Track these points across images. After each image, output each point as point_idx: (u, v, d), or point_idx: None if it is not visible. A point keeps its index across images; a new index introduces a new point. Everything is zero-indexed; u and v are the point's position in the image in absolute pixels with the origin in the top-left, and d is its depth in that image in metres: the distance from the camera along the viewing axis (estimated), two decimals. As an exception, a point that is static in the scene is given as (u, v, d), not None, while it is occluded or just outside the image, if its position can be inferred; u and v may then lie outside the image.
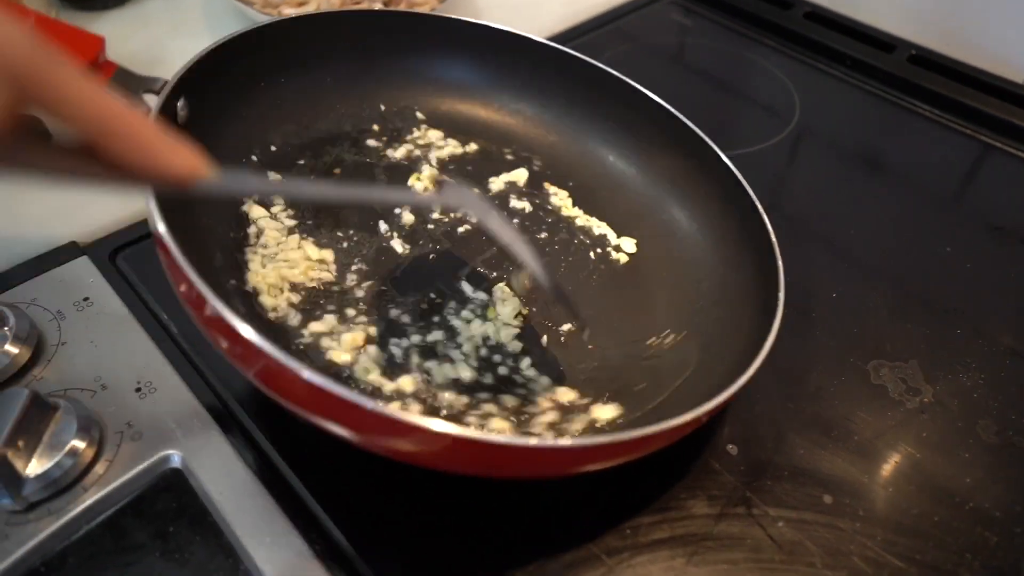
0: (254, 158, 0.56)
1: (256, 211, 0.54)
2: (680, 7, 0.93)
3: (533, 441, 0.35)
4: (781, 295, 0.46)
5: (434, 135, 0.65)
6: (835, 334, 0.56)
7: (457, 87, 0.66)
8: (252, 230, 0.53)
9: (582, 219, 0.61)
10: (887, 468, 0.48)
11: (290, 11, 0.77)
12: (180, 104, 0.47)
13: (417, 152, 0.64)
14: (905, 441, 0.49)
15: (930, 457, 0.48)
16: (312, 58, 0.60)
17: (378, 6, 0.78)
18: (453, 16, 0.64)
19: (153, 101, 0.46)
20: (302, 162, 0.59)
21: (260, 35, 0.56)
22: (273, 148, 0.58)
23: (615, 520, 0.44)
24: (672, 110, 0.60)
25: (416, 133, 0.65)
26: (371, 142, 0.63)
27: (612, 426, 0.47)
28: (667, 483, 0.46)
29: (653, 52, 0.87)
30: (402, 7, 0.79)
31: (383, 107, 0.65)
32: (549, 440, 0.36)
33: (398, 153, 0.63)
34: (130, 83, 0.67)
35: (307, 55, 0.60)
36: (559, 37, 0.85)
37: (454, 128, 0.66)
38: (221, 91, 0.53)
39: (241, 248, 0.51)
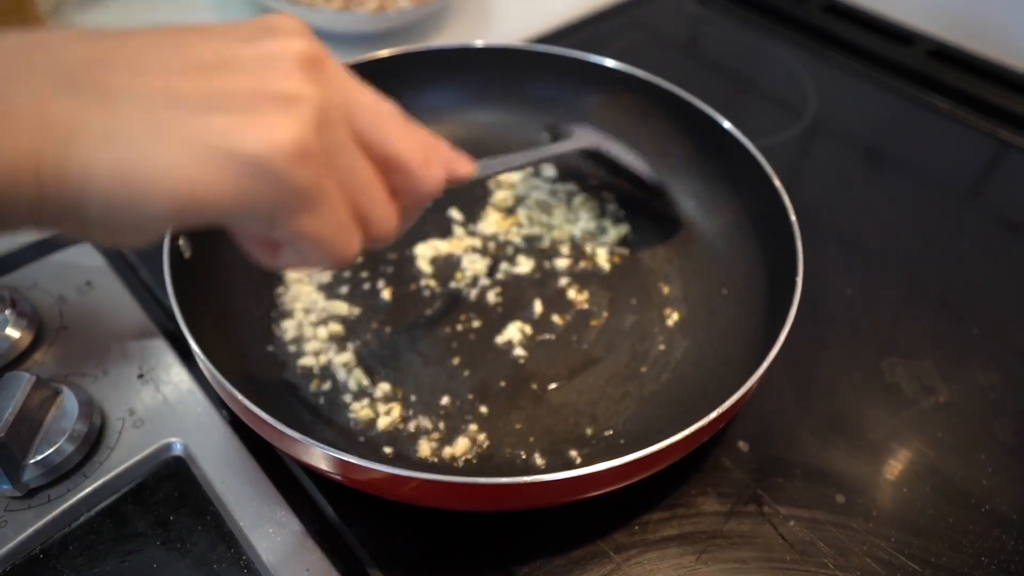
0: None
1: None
2: (694, -3, 0.92)
3: (542, 477, 0.35)
4: (797, 291, 0.44)
5: None
6: (848, 331, 0.55)
7: (435, 110, 0.64)
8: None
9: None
10: (901, 468, 0.47)
11: (299, -4, 0.76)
12: None
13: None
14: (920, 440, 0.48)
15: (945, 457, 0.47)
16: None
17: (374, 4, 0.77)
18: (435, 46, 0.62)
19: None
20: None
21: None
22: None
23: (624, 516, 0.43)
24: (691, 98, 0.58)
25: None
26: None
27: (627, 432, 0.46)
28: (677, 480, 0.45)
29: (666, 43, 0.86)
30: (412, -7, 0.78)
31: None
32: (558, 474, 0.35)
33: None
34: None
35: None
36: (570, 27, 0.84)
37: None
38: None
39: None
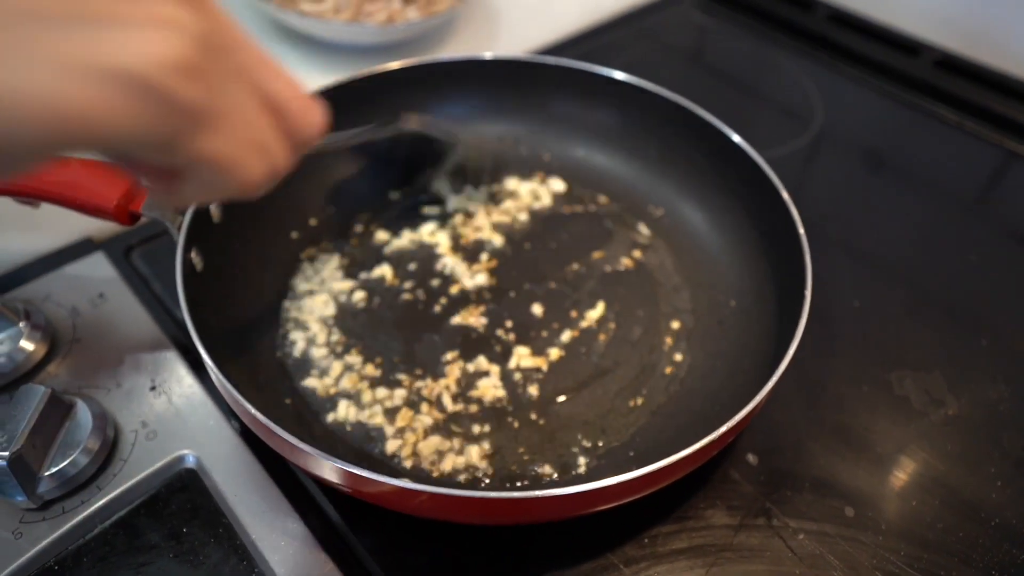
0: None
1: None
2: (700, 8, 0.92)
3: (548, 492, 0.36)
4: (806, 305, 0.44)
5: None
6: (856, 343, 0.55)
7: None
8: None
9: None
10: (910, 481, 0.47)
11: (308, 7, 0.76)
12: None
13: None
14: (929, 453, 0.48)
15: (955, 470, 0.47)
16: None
17: (396, 4, 0.78)
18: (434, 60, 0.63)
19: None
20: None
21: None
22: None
23: (634, 529, 0.43)
24: (695, 108, 0.59)
25: None
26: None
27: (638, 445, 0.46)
28: (686, 492, 0.45)
29: (672, 53, 0.86)
30: (421, 4, 0.79)
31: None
32: (569, 488, 0.36)
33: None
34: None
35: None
36: (577, 38, 0.84)
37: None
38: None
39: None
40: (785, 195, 0.51)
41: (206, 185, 0.28)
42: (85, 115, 0.22)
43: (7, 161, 0.23)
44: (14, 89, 0.21)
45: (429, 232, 0.59)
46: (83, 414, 0.42)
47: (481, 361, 0.50)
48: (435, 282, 0.56)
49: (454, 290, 0.55)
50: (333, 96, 0.56)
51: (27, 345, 0.46)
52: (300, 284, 0.54)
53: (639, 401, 0.49)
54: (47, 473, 0.40)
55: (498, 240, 0.59)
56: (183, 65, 0.24)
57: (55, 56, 0.22)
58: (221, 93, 0.26)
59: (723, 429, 0.38)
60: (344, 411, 0.47)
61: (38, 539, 0.39)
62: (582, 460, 0.46)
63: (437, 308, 0.54)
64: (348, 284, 0.55)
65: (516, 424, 0.47)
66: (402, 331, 0.52)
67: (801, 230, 0.49)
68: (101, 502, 0.41)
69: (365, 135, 0.54)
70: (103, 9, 0.23)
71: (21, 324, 0.46)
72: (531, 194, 0.63)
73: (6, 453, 0.37)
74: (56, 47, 0.22)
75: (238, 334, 0.49)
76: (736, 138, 0.56)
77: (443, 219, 0.60)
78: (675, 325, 0.53)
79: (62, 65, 0.22)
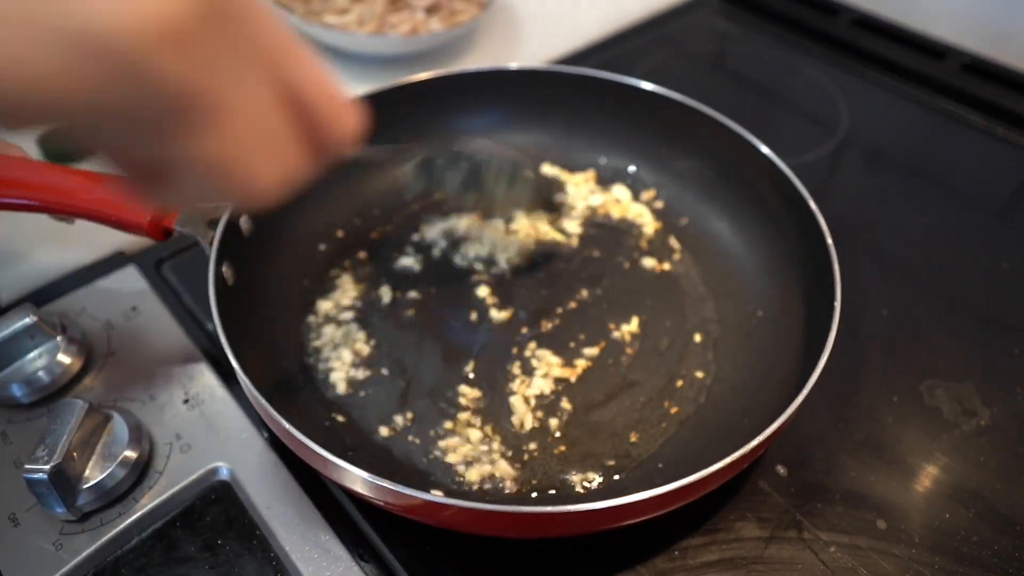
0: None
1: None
2: (722, 13, 0.92)
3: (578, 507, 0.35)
4: (836, 316, 0.44)
5: None
6: (886, 353, 0.54)
7: (469, 132, 0.64)
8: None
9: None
10: (943, 493, 0.46)
11: (332, 19, 0.77)
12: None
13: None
14: (962, 465, 0.48)
15: (989, 482, 0.47)
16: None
17: (419, 15, 0.78)
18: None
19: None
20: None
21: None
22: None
23: (664, 542, 0.43)
24: (719, 116, 0.59)
25: None
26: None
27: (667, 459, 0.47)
28: (716, 504, 0.45)
29: (694, 60, 0.86)
30: (443, 14, 0.79)
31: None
32: (599, 503, 0.36)
33: None
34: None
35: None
36: (599, 46, 0.85)
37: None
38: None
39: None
40: (812, 204, 0.51)
41: (198, 188, 0.23)
42: (53, 86, 0.18)
43: None
44: None
45: (462, 244, 0.59)
46: (119, 427, 0.43)
47: (511, 371, 0.51)
48: (466, 294, 0.56)
49: (486, 301, 0.55)
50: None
51: (64, 359, 0.47)
52: (328, 296, 0.55)
53: (667, 412, 0.49)
54: (86, 486, 0.40)
55: (524, 251, 0.59)
56: (172, 32, 0.19)
57: (25, 15, 0.18)
58: (223, 75, 0.21)
59: (755, 442, 0.38)
60: (373, 422, 0.48)
61: (78, 551, 0.40)
62: (612, 472, 0.46)
63: (468, 320, 0.54)
64: (376, 295, 0.55)
65: (545, 435, 0.47)
66: (430, 341, 0.52)
67: (829, 239, 0.49)
68: (138, 514, 0.41)
69: (412, 151, 0.53)
70: None
71: (58, 338, 0.47)
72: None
73: (47, 466, 0.38)
74: (26, 4, 0.18)
75: (268, 346, 0.50)
76: (762, 147, 0.56)
77: (474, 230, 0.61)
78: (701, 336, 0.53)
79: (20, 21, 0.18)
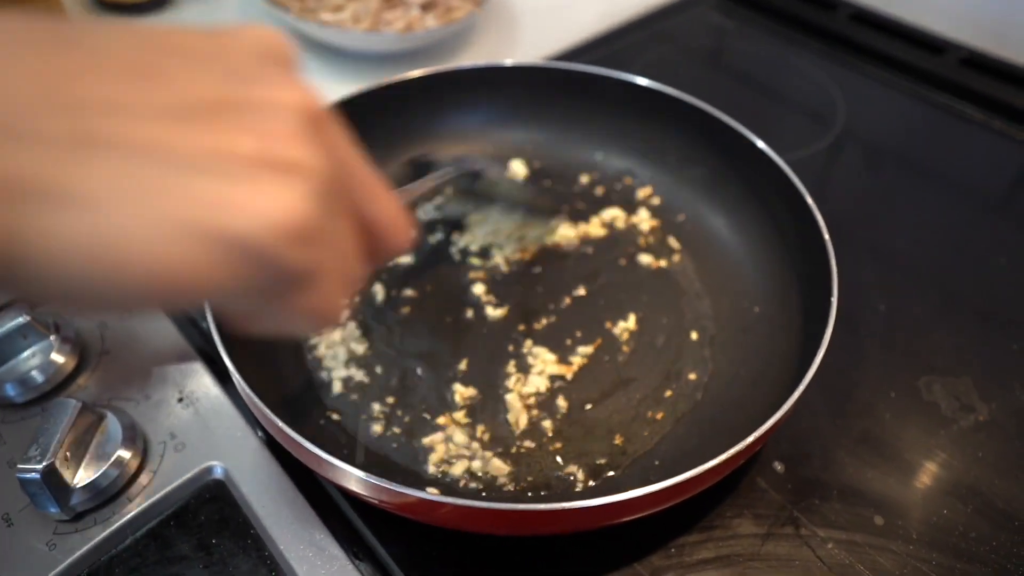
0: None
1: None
2: (719, 9, 0.92)
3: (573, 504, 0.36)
4: (832, 312, 0.44)
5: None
6: (884, 348, 0.54)
7: (464, 129, 0.65)
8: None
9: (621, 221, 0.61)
10: (941, 489, 0.46)
11: (327, 16, 0.77)
12: None
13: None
14: (960, 461, 0.47)
15: (987, 478, 0.47)
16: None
17: (414, 12, 0.78)
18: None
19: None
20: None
21: None
22: None
23: (660, 539, 0.43)
24: (714, 110, 0.58)
25: None
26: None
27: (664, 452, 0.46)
28: (712, 501, 0.45)
29: (691, 56, 0.86)
30: (439, 11, 0.79)
31: None
32: (593, 501, 0.36)
33: None
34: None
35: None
36: (595, 42, 0.84)
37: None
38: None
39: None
40: (809, 199, 0.51)
41: (286, 325, 0.25)
42: (187, 278, 0.20)
43: (86, 307, 0.22)
44: (120, 245, 0.19)
45: (457, 240, 0.59)
46: (113, 426, 0.43)
47: (507, 369, 0.50)
48: (461, 291, 0.56)
49: (481, 299, 0.55)
50: (355, 105, 0.57)
51: (58, 358, 0.47)
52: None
53: (663, 409, 0.49)
54: (79, 485, 0.40)
55: (521, 248, 0.59)
56: (299, 230, 0.21)
57: (168, 210, 0.20)
58: (331, 246, 0.24)
59: (751, 438, 0.38)
60: (368, 419, 0.47)
61: (71, 550, 0.40)
62: (607, 469, 0.46)
63: (463, 317, 0.54)
64: (370, 293, 0.55)
65: (541, 433, 0.47)
66: (425, 339, 0.52)
67: (826, 235, 0.48)
68: (132, 513, 0.41)
69: (437, 183, 0.52)
70: (230, 144, 0.21)
71: (52, 337, 0.47)
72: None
73: (40, 466, 0.38)
74: (171, 198, 0.20)
75: (263, 345, 0.50)
76: (759, 142, 0.55)
77: (473, 231, 0.60)
78: (698, 332, 0.53)
79: (174, 222, 0.20)
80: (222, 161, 0.21)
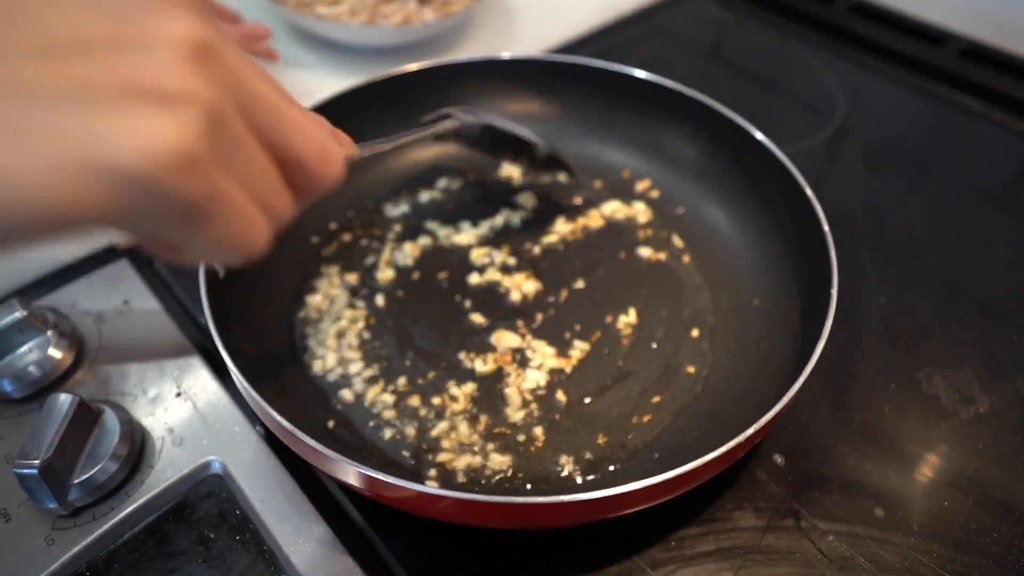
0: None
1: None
2: (718, 1, 0.91)
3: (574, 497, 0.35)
4: (832, 305, 0.44)
5: None
6: (884, 341, 0.54)
7: None
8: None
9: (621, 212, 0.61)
10: (941, 481, 0.46)
11: (324, 10, 0.76)
12: None
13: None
14: (960, 453, 0.47)
15: (988, 470, 0.46)
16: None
17: (412, 5, 0.78)
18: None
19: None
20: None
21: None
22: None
23: (660, 532, 0.43)
24: (713, 103, 0.58)
25: None
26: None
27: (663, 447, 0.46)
28: (712, 494, 0.44)
29: (690, 48, 0.85)
30: (436, 5, 0.78)
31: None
32: (595, 493, 0.35)
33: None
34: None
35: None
36: (593, 35, 0.84)
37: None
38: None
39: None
40: (808, 191, 0.51)
41: (207, 256, 0.27)
42: (71, 210, 0.21)
43: None
44: (2, 181, 0.20)
45: (446, 234, 0.59)
46: (111, 421, 0.42)
47: (506, 362, 0.50)
48: (460, 284, 0.55)
49: (477, 291, 0.55)
50: (351, 99, 0.57)
51: (55, 353, 0.46)
52: (320, 288, 0.54)
53: (663, 402, 0.48)
54: (77, 480, 0.40)
55: (519, 240, 0.59)
56: (183, 159, 0.21)
57: (44, 144, 0.20)
58: (228, 174, 0.24)
59: (751, 431, 0.38)
60: (366, 413, 0.47)
61: (69, 546, 0.39)
62: (607, 462, 0.45)
63: (460, 312, 0.54)
64: (369, 287, 0.55)
65: (541, 426, 0.47)
66: (424, 332, 0.52)
67: (826, 227, 0.48)
68: (130, 508, 0.41)
69: (404, 139, 0.51)
70: (100, 76, 0.21)
71: (49, 332, 0.46)
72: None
73: (37, 461, 0.38)
74: (44, 132, 0.20)
75: (260, 339, 0.49)
76: (758, 135, 0.55)
77: (469, 221, 0.60)
78: (697, 325, 0.53)
79: (52, 156, 0.20)
80: (98, 95, 0.21)
